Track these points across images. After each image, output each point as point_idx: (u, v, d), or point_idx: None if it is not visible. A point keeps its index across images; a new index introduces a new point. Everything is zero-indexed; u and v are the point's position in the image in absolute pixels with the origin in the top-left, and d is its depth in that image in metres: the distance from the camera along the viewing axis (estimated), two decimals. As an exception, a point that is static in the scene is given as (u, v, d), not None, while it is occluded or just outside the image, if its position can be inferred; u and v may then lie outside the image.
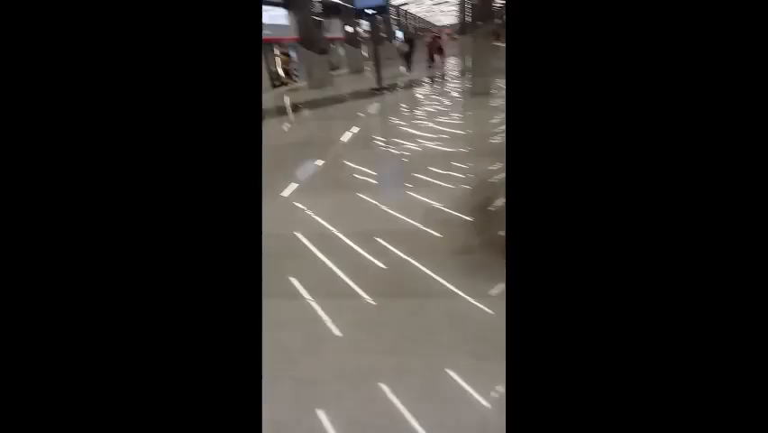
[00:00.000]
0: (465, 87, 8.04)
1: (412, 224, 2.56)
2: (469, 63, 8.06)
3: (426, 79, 10.42)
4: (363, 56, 15.84)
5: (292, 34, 12.65)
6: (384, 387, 1.38)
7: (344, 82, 12.26)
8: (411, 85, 9.82)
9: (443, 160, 3.73)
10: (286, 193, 3.46)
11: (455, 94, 7.66)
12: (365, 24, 17.42)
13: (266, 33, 13.07)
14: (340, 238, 2.49)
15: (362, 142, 4.95)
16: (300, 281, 2.06)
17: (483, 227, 2.38)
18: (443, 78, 10.32)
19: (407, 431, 1.23)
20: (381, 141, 4.90)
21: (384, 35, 18.03)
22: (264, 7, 13.31)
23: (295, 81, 11.60)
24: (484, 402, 1.28)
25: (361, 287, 1.96)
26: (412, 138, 4.70)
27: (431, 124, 5.28)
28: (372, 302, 1.84)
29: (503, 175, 3.03)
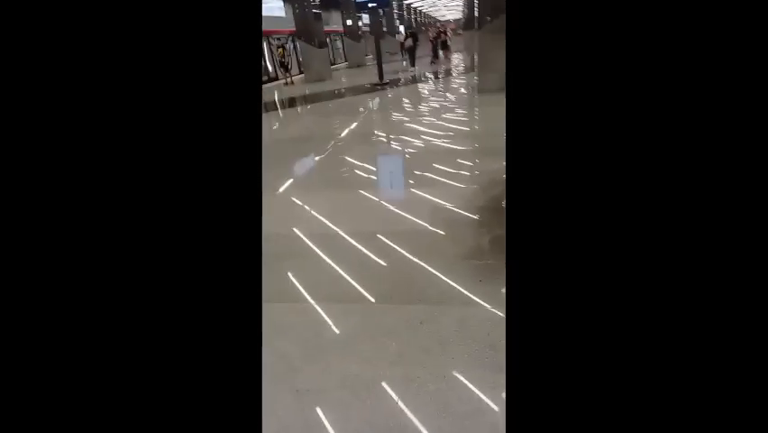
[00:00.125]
0: (470, 83, 7.93)
1: (418, 223, 2.45)
2: (475, 59, 7.94)
3: (430, 75, 10.29)
4: (364, 50, 15.68)
5: (289, 26, 12.44)
6: (390, 399, 1.27)
7: (344, 76, 12.11)
8: (414, 80, 9.69)
9: (449, 157, 3.62)
10: (284, 190, 3.35)
11: (462, 90, 7.54)
12: (366, 18, 17.24)
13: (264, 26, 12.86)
14: (343, 238, 2.38)
15: (363, 137, 4.83)
16: (302, 284, 1.95)
17: (492, 227, 2.27)
18: (447, 75, 10.19)
19: (419, 452, 1.13)
20: (386, 137, 4.78)
21: (386, 29, 17.83)
22: (263, -2, 13.08)
23: (291, 75, 11.40)
24: (501, 418, 1.18)
25: (366, 290, 1.85)
26: (416, 134, 4.58)
27: (437, 121, 5.16)
28: (378, 307, 1.73)
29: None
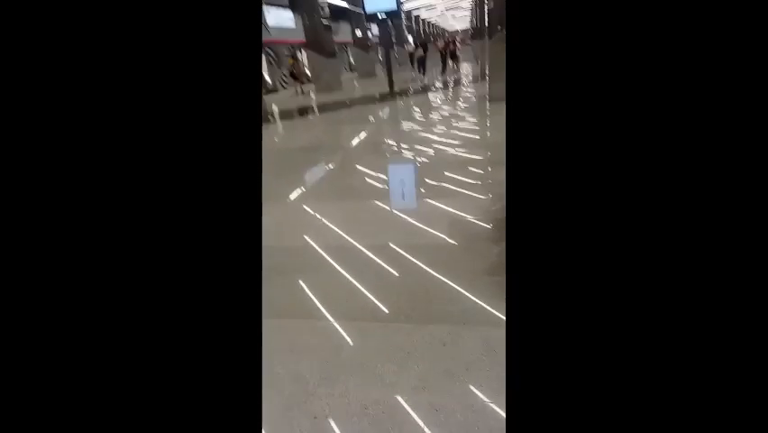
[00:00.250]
0: (480, 92, 7.88)
1: (436, 235, 2.37)
2: (484, 69, 7.92)
3: (440, 85, 10.28)
4: (373, 60, 15.78)
5: (299, 37, 12.57)
6: (415, 429, 1.18)
7: (354, 86, 12.18)
8: (424, 90, 9.68)
9: (463, 166, 3.55)
10: (297, 201, 3.30)
11: (472, 99, 7.49)
12: (375, 29, 17.41)
13: (273, 36, 13.01)
14: (359, 250, 2.30)
15: (374, 146, 4.79)
16: (317, 299, 1.88)
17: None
18: (457, 84, 10.17)
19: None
20: (405, 146, 4.73)
21: (395, 40, 17.95)
22: (270, 9, 13.28)
23: (303, 84, 11.48)
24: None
25: (385, 307, 1.76)
26: (429, 143, 4.52)
27: (449, 130, 5.10)
28: (398, 327, 1.64)
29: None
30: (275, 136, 6.21)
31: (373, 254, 2.22)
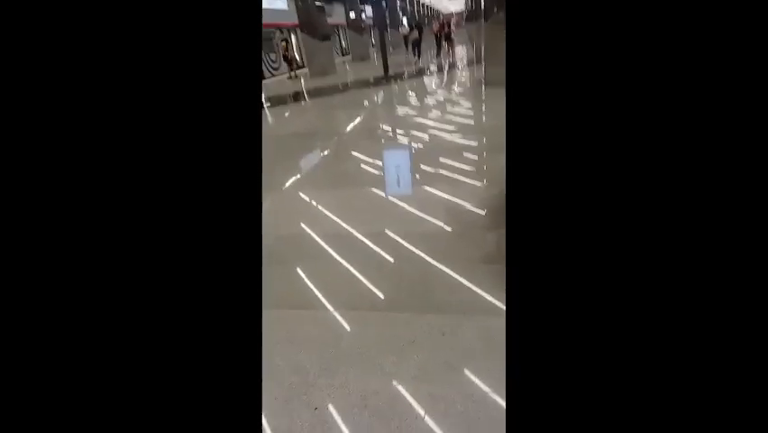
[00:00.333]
0: (476, 76, 7.77)
1: (434, 223, 2.35)
2: (480, 52, 7.80)
3: (435, 68, 10.12)
4: (367, 43, 15.47)
5: (292, 19, 12.24)
6: (415, 420, 1.18)
7: (349, 70, 11.96)
8: (419, 73, 9.53)
9: (460, 153, 3.51)
10: (292, 188, 3.25)
11: (468, 83, 7.39)
12: (369, 10, 17.00)
13: (265, 19, 12.64)
14: (356, 238, 2.28)
15: (369, 132, 4.72)
16: (316, 288, 1.86)
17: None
18: (452, 67, 10.02)
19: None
20: (400, 132, 4.67)
21: (389, 22, 17.57)
22: (263, -11, 12.83)
23: (296, 69, 11.23)
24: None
25: (383, 296, 1.75)
26: (424, 128, 4.46)
27: (444, 115, 5.04)
28: (397, 316, 1.63)
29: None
30: (268, 122, 6.09)
31: (371, 242, 2.20)
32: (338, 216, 2.56)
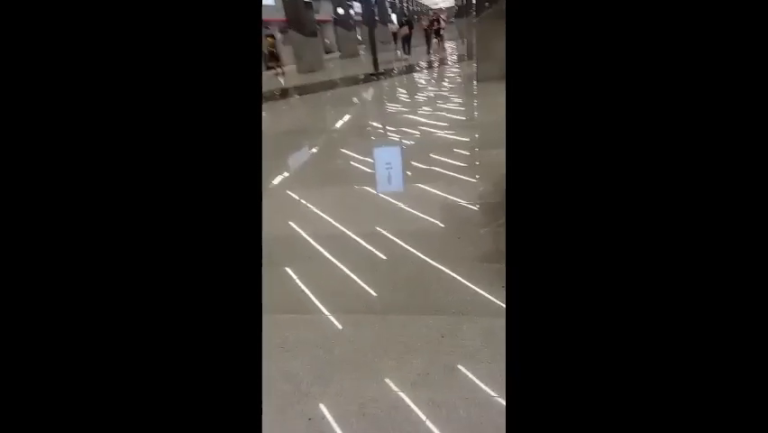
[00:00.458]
0: (467, 72, 7.74)
1: (428, 220, 2.29)
2: (471, 48, 7.77)
3: (425, 64, 10.06)
4: (357, 39, 15.35)
5: (279, 15, 12.03)
6: (416, 428, 1.12)
7: (337, 66, 11.84)
8: (409, 70, 9.46)
9: (453, 149, 3.47)
10: (281, 187, 3.17)
11: (458, 79, 7.35)
12: (357, 6, 16.85)
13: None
14: (350, 238, 2.21)
15: (359, 129, 4.64)
16: (309, 291, 1.79)
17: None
18: (442, 63, 9.97)
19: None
20: (391, 129, 4.60)
21: (378, 18, 17.46)
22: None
23: (281, 65, 11.02)
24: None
25: (379, 298, 1.69)
26: (415, 125, 4.40)
27: (436, 111, 4.98)
28: (394, 319, 1.57)
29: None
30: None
31: (364, 241, 2.13)
32: (329, 215, 2.49)
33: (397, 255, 1.98)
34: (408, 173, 3.10)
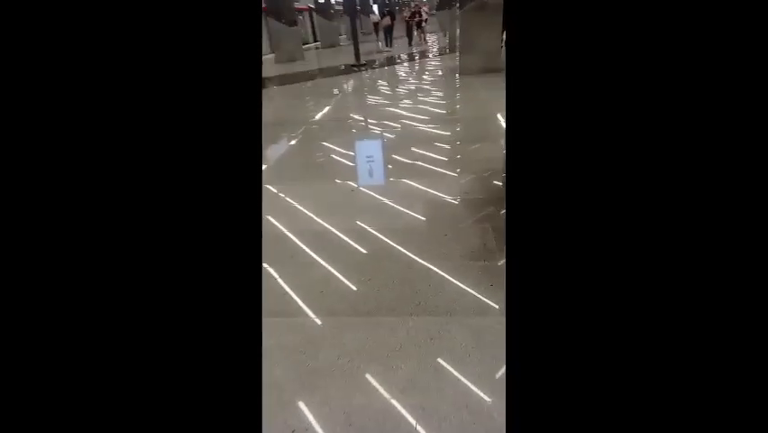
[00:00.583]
0: (448, 65, 7.70)
1: (410, 215, 2.23)
2: (454, 40, 7.72)
3: (406, 56, 9.95)
4: (337, 29, 15.06)
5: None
6: (408, 440, 1.07)
7: (317, 57, 11.59)
8: (391, 62, 9.34)
9: (437, 144, 3.42)
10: (266, 184, 3.03)
11: (440, 72, 7.30)
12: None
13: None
14: (333, 235, 2.13)
15: (340, 122, 4.53)
16: (290, 292, 1.70)
17: (496, 221, 2.09)
18: (424, 56, 9.89)
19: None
20: (373, 121, 4.50)
21: (359, 8, 17.15)
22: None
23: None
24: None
25: (365, 299, 1.62)
26: (397, 119, 4.33)
27: (418, 105, 4.92)
28: (380, 321, 1.51)
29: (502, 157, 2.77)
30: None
31: (348, 238, 2.06)
32: (310, 210, 2.40)
33: (380, 253, 1.92)
34: (390, 167, 3.03)
